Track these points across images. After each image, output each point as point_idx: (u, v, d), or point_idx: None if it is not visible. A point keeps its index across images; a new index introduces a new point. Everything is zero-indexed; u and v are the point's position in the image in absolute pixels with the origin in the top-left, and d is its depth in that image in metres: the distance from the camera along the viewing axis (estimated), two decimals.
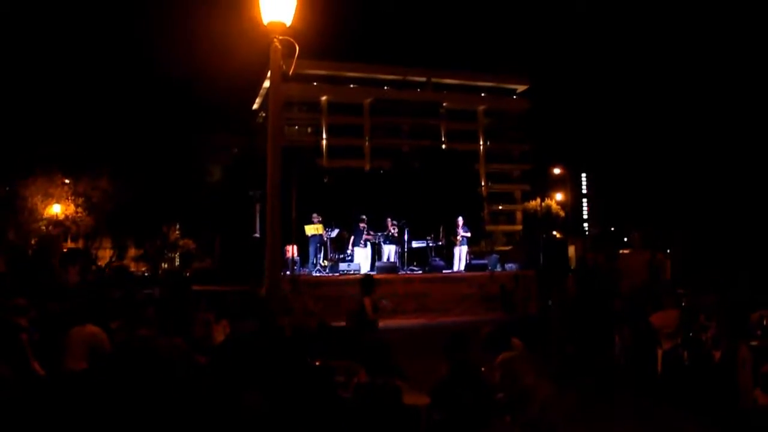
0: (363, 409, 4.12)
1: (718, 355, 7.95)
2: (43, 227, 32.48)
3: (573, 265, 24.25)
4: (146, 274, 35.58)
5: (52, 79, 31.60)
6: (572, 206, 55.32)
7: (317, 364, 5.62)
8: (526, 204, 55.79)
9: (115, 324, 7.71)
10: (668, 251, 28.10)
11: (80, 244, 35.21)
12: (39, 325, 7.44)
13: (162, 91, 33.70)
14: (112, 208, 32.53)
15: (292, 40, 6.48)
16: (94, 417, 4.58)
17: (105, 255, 37.39)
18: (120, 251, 36.49)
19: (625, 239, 50.15)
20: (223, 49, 77.57)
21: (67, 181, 33.02)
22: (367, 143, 68.59)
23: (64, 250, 34.51)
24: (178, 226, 38.01)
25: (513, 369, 5.57)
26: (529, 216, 52.30)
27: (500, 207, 72.03)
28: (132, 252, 39.32)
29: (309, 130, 68.69)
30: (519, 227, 65.79)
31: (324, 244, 18.05)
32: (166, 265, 48.45)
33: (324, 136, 68.38)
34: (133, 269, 40.61)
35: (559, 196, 54.15)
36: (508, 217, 71.16)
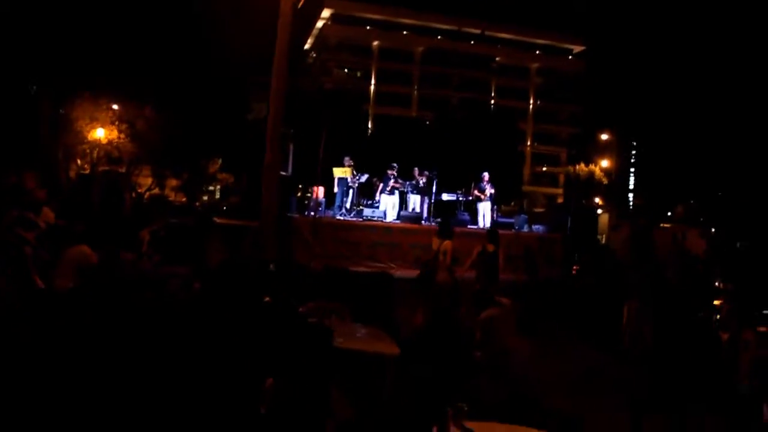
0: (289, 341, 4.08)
1: (725, 337, 7.79)
2: (87, 150, 33.20)
3: (603, 232, 23.87)
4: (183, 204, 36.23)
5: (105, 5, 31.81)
6: (618, 174, 53.96)
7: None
8: (569, 167, 54.66)
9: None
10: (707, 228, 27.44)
11: (123, 168, 35.85)
12: (48, 241, 7.62)
13: (213, 29, 33.63)
14: (154, 137, 32.94)
15: None
16: (73, 335, 4.67)
17: (146, 183, 38.08)
18: (159, 180, 37.09)
19: (669, 213, 49.00)
20: None
21: (114, 106, 33.53)
22: (415, 92, 67.82)
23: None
24: (219, 161, 38.38)
25: (494, 327, 5.49)
26: (571, 180, 51.26)
27: (544, 168, 70.97)
28: (173, 182, 39.88)
29: (358, 74, 68.10)
30: (560, 190, 64.86)
31: (352, 188, 18.01)
32: (206, 198, 49.25)
33: (373, 81, 67.76)
34: (172, 199, 41.34)
35: (605, 163, 52.95)
36: (551, 180, 70.10)
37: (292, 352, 3.86)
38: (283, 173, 17.28)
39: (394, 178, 18.13)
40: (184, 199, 40.65)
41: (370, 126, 45.47)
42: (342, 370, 4.29)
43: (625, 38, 77.40)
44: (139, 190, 36.69)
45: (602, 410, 6.27)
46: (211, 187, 48.23)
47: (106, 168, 33.02)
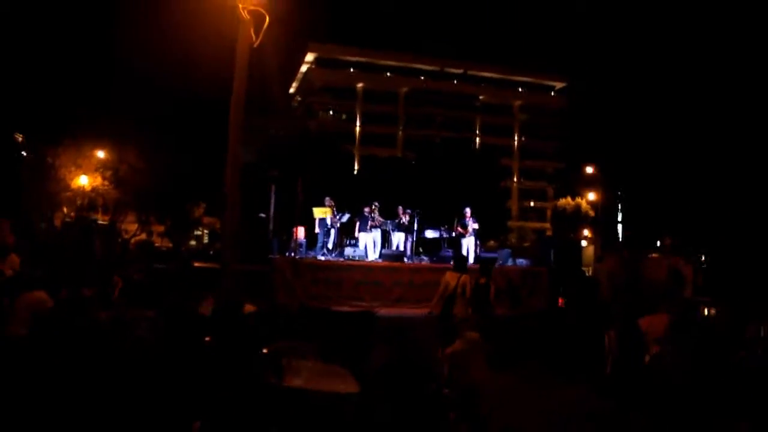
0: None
1: None
2: (72, 197, 33.06)
3: (589, 264, 23.76)
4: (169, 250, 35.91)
5: (87, 50, 32.08)
6: (604, 207, 54.10)
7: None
8: (556, 202, 54.88)
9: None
10: (694, 258, 27.46)
11: (105, 217, 35.67)
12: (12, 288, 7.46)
13: (199, 74, 33.83)
14: (138, 183, 32.88)
15: (261, 10, 6.31)
16: (22, 382, 4.51)
17: (131, 229, 37.86)
18: (144, 226, 36.87)
19: (658, 244, 49.06)
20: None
21: (101, 154, 33.53)
22: (400, 132, 68.29)
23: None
24: (203, 205, 38.22)
25: (462, 362, 5.35)
26: (558, 214, 51.40)
27: (532, 203, 71.21)
28: (158, 228, 39.68)
29: (344, 116, 68.59)
30: (548, 224, 64.96)
31: (333, 228, 17.91)
32: (194, 243, 48.94)
33: (358, 123, 68.24)
34: (158, 244, 41.03)
35: (591, 196, 53.15)
36: (540, 214, 70.28)
37: (223, 393, 3.74)
38: (262, 215, 17.22)
39: (372, 217, 18.03)
40: (170, 245, 40.35)
41: (356, 167, 45.77)
42: (295, 410, 4.15)
43: (606, 74, 78.61)
44: (125, 236, 36.44)
45: None
46: (198, 232, 47.97)
47: (82, 215, 32.74)
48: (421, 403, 4.69)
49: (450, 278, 10.45)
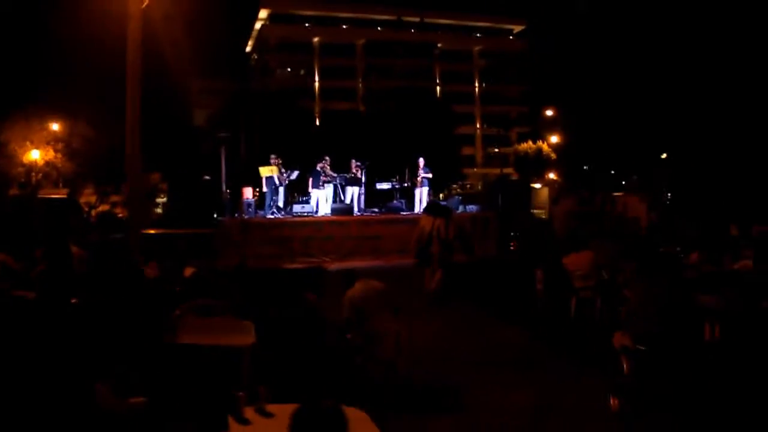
0: None
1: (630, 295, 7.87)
2: (24, 172, 32.50)
3: (544, 206, 24.10)
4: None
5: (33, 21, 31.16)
6: (565, 149, 54.40)
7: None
8: (517, 146, 55.02)
9: None
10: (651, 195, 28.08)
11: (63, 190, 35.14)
12: None
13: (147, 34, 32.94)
14: (92, 154, 32.33)
15: None
16: None
17: (91, 201, 37.38)
18: (102, 197, 36.38)
19: (624, 182, 49.87)
20: None
21: (55, 126, 32.81)
22: (360, 85, 67.61)
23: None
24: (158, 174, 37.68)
25: (362, 307, 5.48)
26: (520, 158, 51.62)
27: (496, 149, 71.44)
28: (115, 198, 39.14)
29: (302, 72, 67.61)
30: (512, 170, 65.35)
31: (282, 185, 17.89)
32: (160, 210, 48.38)
33: (317, 78, 67.39)
34: (122, 215, 40.55)
35: (554, 139, 53.40)
36: (503, 160, 70.61)
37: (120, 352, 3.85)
38: (207, 177, 17.16)
39: (324, 172, 18.03)
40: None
41: (317, 122, 45.33)
42: (187, 364, 4.28)
43: (564, 14, 78.11)
44: (85, 209, 35.98)
45: (493, 382, 6.33)
46: (159, 200, 47.42)
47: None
48: (318, 350, 4.83)
49: (425, 222, 11.56)
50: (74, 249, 11.19)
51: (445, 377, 6.29)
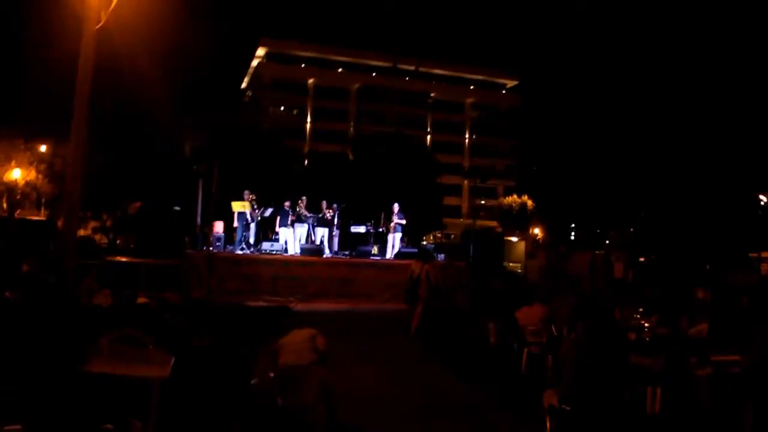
0: None
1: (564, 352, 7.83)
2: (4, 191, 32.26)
3: (520, 260, 24.15)
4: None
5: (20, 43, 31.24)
6: (550, 205, 54.72)
7: None
8: (501, 200, 55.28)
9: None
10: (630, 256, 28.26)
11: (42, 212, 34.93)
12: None
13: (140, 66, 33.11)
14: None
15: None
16: None
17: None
18: (81, 222, 36.00)
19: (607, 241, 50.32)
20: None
21: (43, 148, 32.69)
22: (351, 129, 68.18)
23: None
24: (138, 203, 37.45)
25: (290, 351, 5.45)
26: (505, 212, 51.81)
27: (483, 201, 71.78)
28: (94, 224, 38.84)
29: (294, 112, 68.18)
30: (496, 223, 65.62)
31: (254, 222, 17.81)
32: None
33: (309, 119, 67.96)
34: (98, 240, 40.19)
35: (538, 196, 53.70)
36: (489, 212, 70.91)
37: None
38: (176, 208, 17.11)
39: (292, 211, 17.99)
40: (105, 241, 39.55)
41: (306, 163, 45.51)
42: (96, 393, 4.22)
43: (558, 72, 79.61)
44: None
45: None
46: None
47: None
48: (233, 388, 4.77)
49: (415, 266, 12.70)
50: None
51: (371, 425, 6.20)
